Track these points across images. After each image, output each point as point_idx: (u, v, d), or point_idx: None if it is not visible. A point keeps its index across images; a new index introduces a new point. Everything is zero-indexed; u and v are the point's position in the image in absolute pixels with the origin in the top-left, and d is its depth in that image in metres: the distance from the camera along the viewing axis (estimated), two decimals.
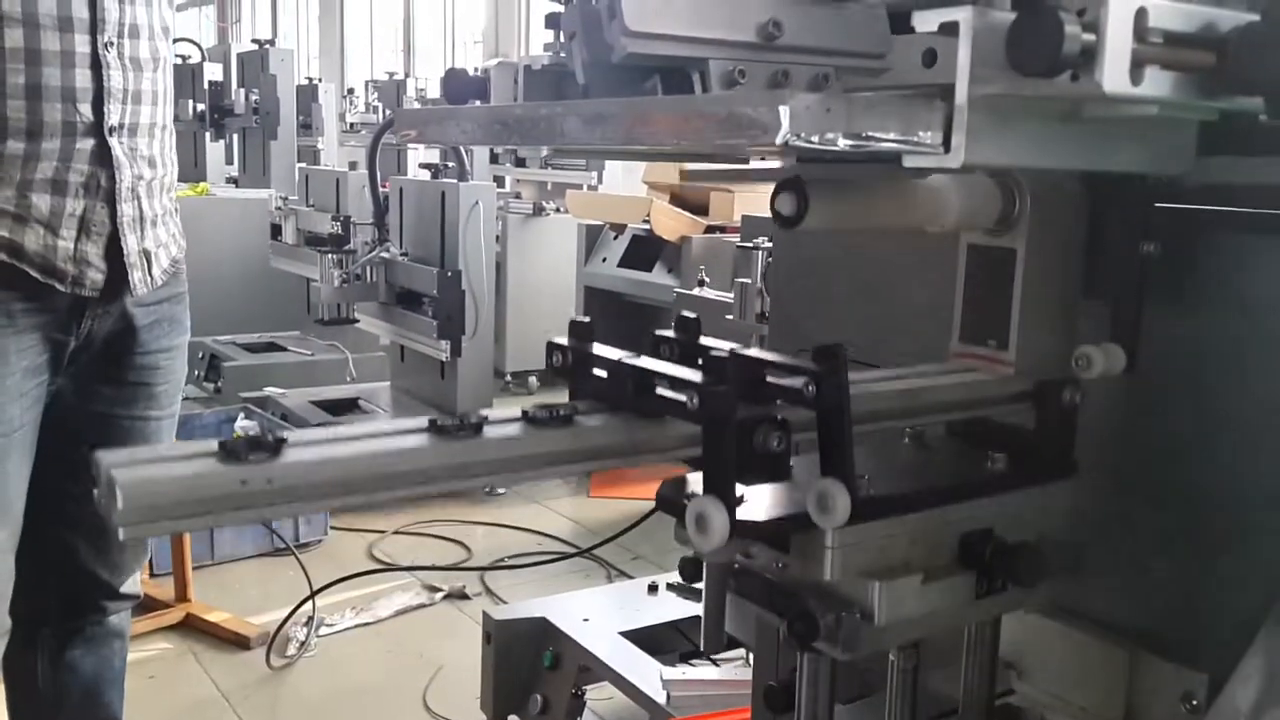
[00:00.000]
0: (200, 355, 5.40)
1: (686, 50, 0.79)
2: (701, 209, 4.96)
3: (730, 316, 3.28)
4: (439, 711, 2.94)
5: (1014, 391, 0.89)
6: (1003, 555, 0.82)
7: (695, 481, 0.80)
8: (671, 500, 0.80)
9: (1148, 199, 0.90)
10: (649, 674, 2.32)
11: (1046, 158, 0.79)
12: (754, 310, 3.17)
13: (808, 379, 0.74)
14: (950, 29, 0.71)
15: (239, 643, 3.34)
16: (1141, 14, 0.68)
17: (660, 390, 0.73)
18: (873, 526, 0.79)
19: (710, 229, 4.85)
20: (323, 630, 3.41)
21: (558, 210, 5.97)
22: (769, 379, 0.78)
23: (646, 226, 4.99)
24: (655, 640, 2.44)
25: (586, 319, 0.82)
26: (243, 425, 4.16)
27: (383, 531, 4.26)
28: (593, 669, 2.44)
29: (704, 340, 0.84)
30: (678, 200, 5.05)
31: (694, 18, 0.78)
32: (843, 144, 0.67)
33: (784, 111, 0.64)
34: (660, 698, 2.23)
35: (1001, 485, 0.87)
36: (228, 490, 0.61)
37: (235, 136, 6.98)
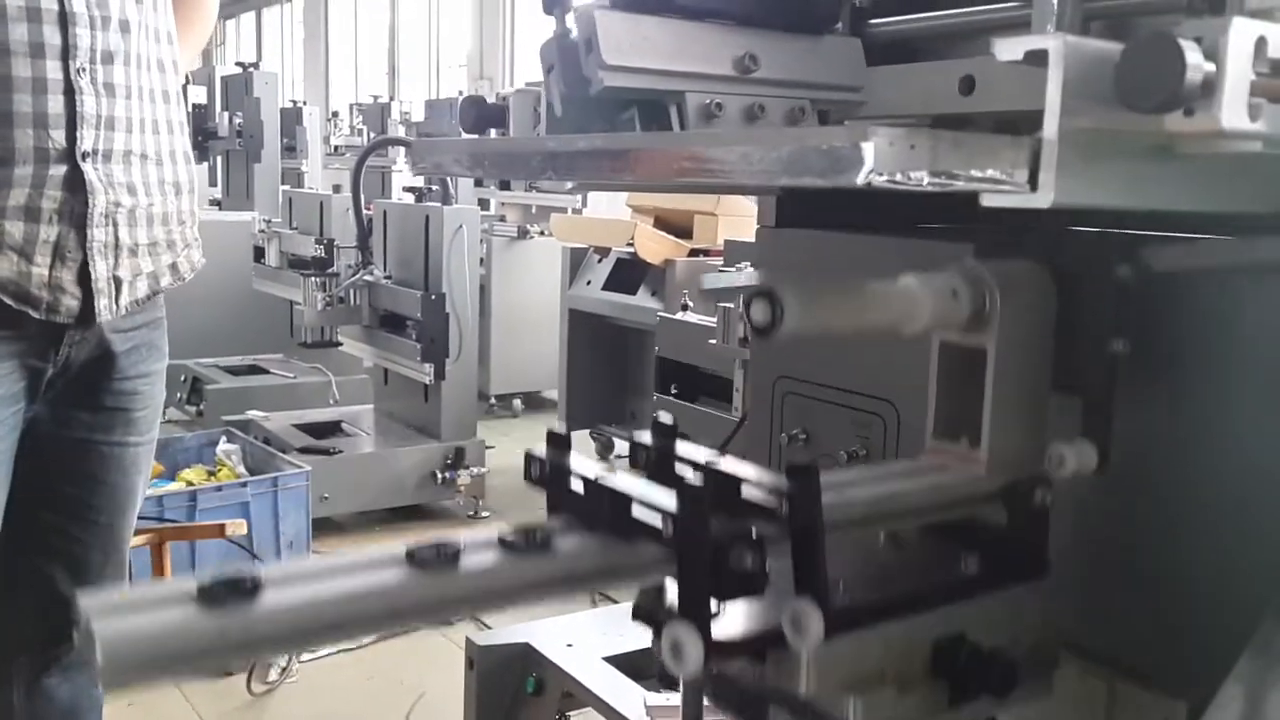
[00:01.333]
0: (182, 378, 5.38)
1: (663, 84, 0.78)
2: (685, 232, 4.97)
3: (713, 341, 3.29)
4: None
5: (986, 492, 0.90)
6: (975, 664, 0.83)
7: (671, 590, 0.80)
8: (648, 613, 0.80)
9: (1118, 295, 0.91)
10: (633, 700, 2.32)
11: (1140, 197, 0.73)
12: (736, 335, 3.18)
13: (781, 499, 0.75)
14: (1038, 58, 0.66)
15: (219, 670, 3.33)
16: (1261, 42, 0.64)
17: (636, 512, 0.74)
18: (848, 639, 0.80)
19: (694, 252, 4.86)
20: (304, 656, 3.40)
21: (542, 233, 5.98)
22: (743, 493, 0.78)
23: (631, 250, 5.00)
24: (639, 665, 2.43)
25: (564, 431, 0.83)
26: (224, 449, 4.14)
27: None
28: (576, 695, 2.43)
29: (680, 447, 0.84)
30: (661, 224, 5.06)
31: (670, 51, 0.77)
32: (927, 183, 0.64)
33: (868, 149, 0.62)
34: None
35: (974, 589, 0.87)
36: (207, 643, 0.61)
37: (219, 159, 6.97)
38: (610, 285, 5.14)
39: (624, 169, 0.79)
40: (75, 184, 1.64)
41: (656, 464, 0.85)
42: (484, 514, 4.79)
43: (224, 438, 4.26)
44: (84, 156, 1.64)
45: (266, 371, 5.65)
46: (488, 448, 4.83)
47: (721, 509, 0.76)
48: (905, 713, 0.82)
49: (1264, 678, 0.80)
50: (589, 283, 5.23)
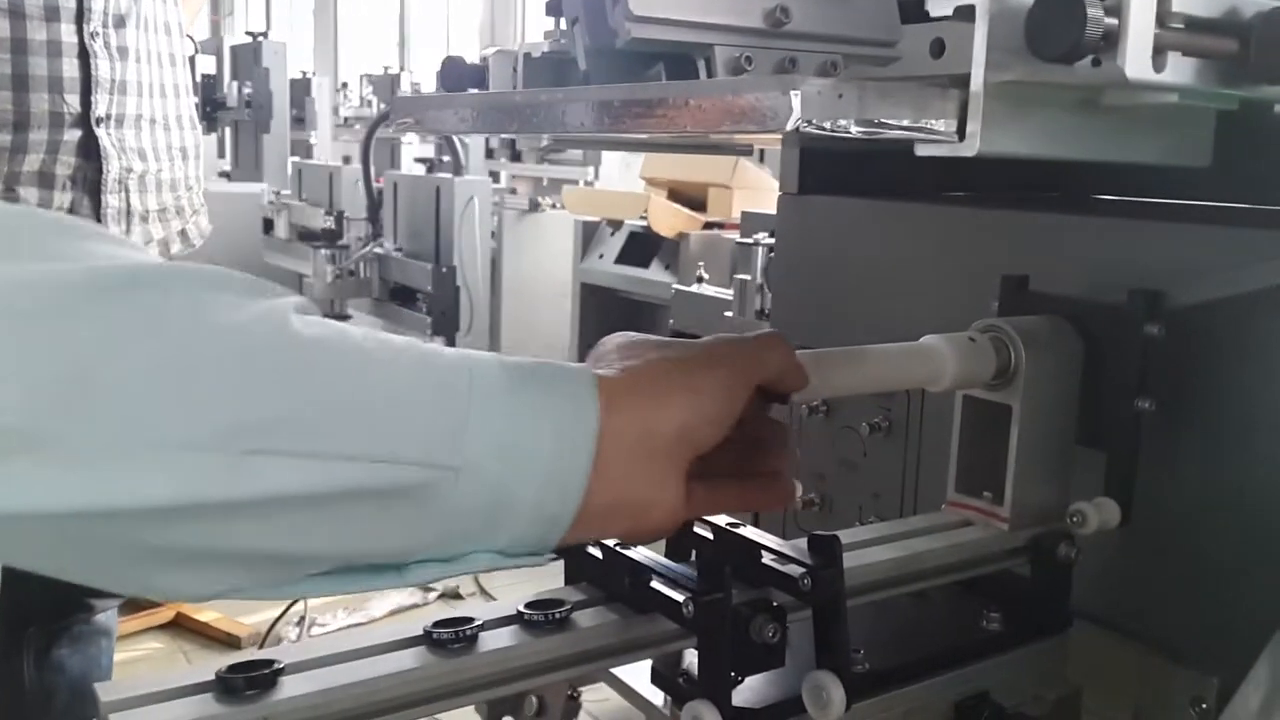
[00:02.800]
0: None
1: (692, 36, 0.77)
2: (699, 205, 4.93)
3: (729, 313, 3.27)
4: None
5: (1009, 548, 0.89)
6: None
7: (689, 657, 0.80)
8: (667, 680, 0.80)
9: (1145, 353, 0.89)
10: (645, 674, 2.33)
11: (1063, 148, 0.78)
12: (753, 307, 3.17)
13: (804, 572, 0.74)
14: (966, 13, 0.69)
15: (229, 642, 3.36)
16: None
17: (655, 585, 0.73)
18: (868, 705, 0.79)
19: (709, 225, 4.83)
20: (314, 630, 3.43)
21: (554, 206, 5.95)
22: (764, 561, 0.78)
23: (644, 223, 4.97)
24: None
25: None
26: None
27: None
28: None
29: None
30: (675, 196, 5.02)
31: (700, 2, 0.76)
32: (854, 131, 0.66)
33: (795, 97, 0.63)
34: (656, 699, 2.24)
35: (997, 647, 0.87)
36: None
37: (228, 130, 6.93)
38: (623, 259, 5.12)
39: (580, 121, 0.78)
40: (89, 150, 1.66)
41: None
42: None
43: None
44: (98, 121, 1.65)
45: None
46: None
47: (742, 578, 0.76)
48: None
49: None
50: (601, 256, 5.20)
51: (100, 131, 1.65)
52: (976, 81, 0.69)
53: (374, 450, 0.53)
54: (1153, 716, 0.96)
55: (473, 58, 1.04)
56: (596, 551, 0.78)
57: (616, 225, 5.17)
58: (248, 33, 7.26)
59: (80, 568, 0.54)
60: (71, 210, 1.63)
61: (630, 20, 0.75)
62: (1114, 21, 0.65)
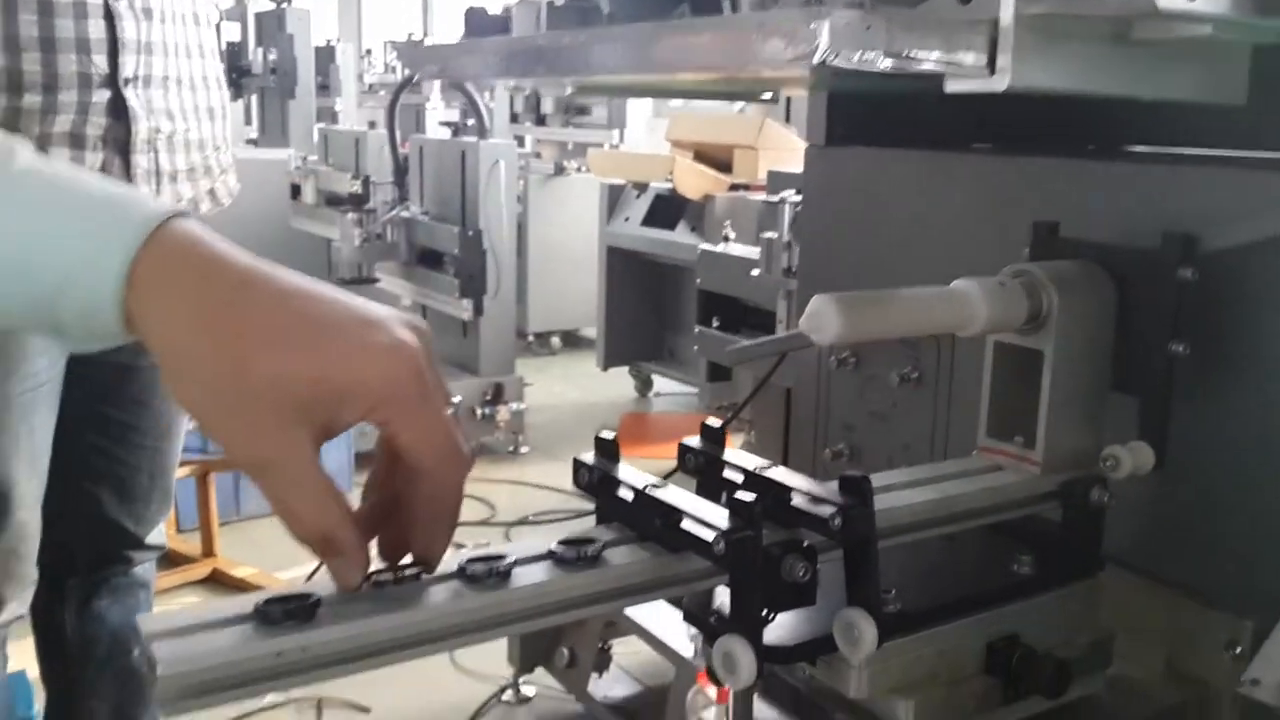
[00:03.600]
0: None
1: None
2: (725, 166, 4.91)
3: (756, 271, 3.26)
4: (466, 666, 3.00)
5: (1041, 492, 0.89)
6: (1030, 667, 0.83)
7: (720, 595, 0.81)
8: (698, 617, 0.81)
9: (1179, 297, 0.89)
10: (676, 628, 2.34)
11: (1095, 82, 0.76)
12: (780, 264, 3.15)
13: (835, 511, 0.75)
14: None
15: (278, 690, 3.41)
16: None
17: (686, 525, 0.74)
18: (900, 644, 0.80)
19: (734, 186, 4.81)
20: None
21: (579, 170, 5.93)
22: (794, 502, 0.78)
23: (669, 185, 4.96)
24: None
25: (611, 435, 0.82)
26: None
27: None
28: (619, 623, 2.47)
29: (728, 454, 0.84)
30: (701, 158, 5.00)
31: None
32: (883, 64, 0.66)
33: (823, 27, 0.63)
34: (687, 651, 2.24)
35: (1028, 590, 0.87)
36: (264, 664, 0.62)
37: (254, 97, 6.94)
38: (649, 221, 5.11)
39: (606, 61, 0.78)
40: (118, 110, 1.68)
41: (705, 470, 0.85)
42: (523, 449, 4.83)
43: None
44: (125, 82, 1.67)
45: None
46: (526, 384, 4.86)
47: (773, 519, 0.76)
48: (958, 712, 0.82)
49: None
50: (627, 219, 5.20)
51: (128, 92, 1.66)
52: (1007, 14, 0.68)
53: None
54: (1186, 660, 0.96)
55: (499, 10, 1.04)
56: (627, 494, 0.79)
57: (642, 188, 5.16)
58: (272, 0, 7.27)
59: None
60: (103, 171, 1.64)
61: None
62: None
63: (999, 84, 0.69)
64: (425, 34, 9.38)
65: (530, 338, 6.25)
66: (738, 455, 0.83)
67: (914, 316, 0.84)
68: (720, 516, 0.72)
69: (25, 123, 1.59)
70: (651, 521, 0.76)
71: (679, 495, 0.76)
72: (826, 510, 0.75)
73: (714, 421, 0.86)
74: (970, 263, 0.89)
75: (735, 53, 0.67)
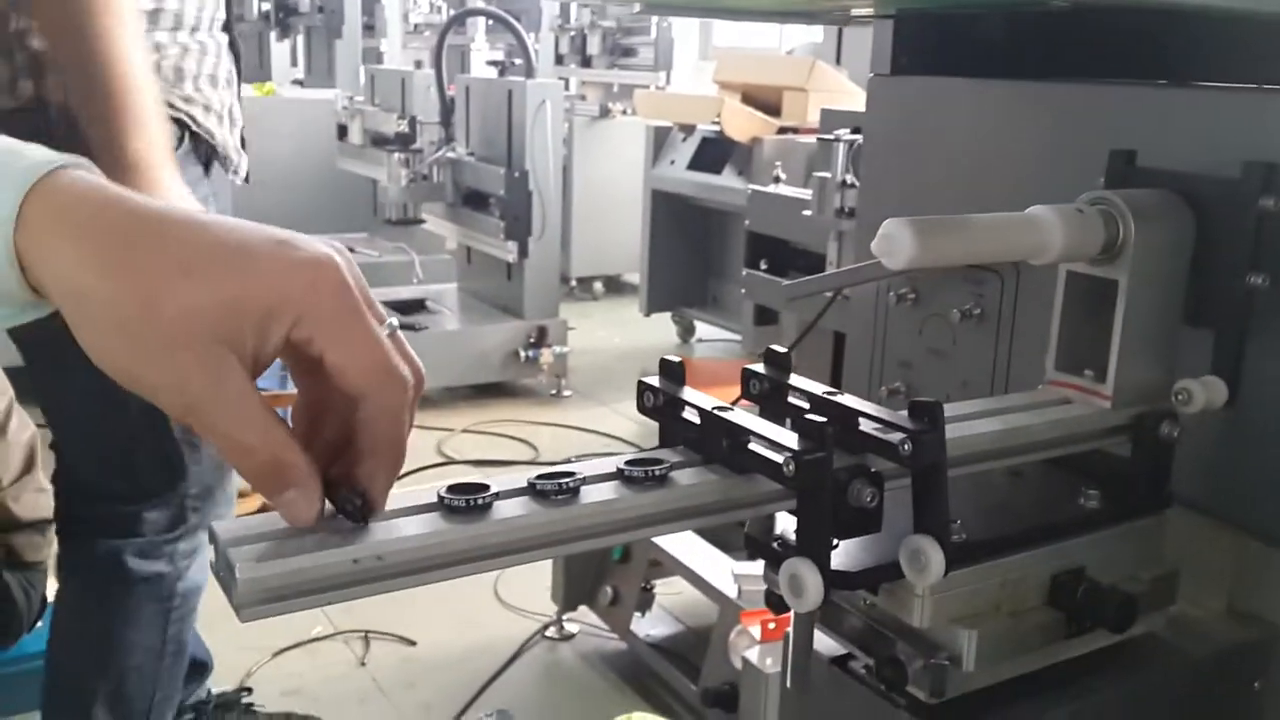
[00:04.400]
0: None
1: None
2: (774, 109, 4.85)
3: (807, 212, 3.23)
4: (510, 602, 3.03)
5: (1111, 426, 0.88)
6: (1095, 600, 0.82)
7: (782, 522, 0.80)
8: (761, 544, 0.81)
9: (1260, 228, 0.87)
10: (719, 569, 2.35)
11: None
12: (833, 205, 3.12)
13: (904, 437, 0.74)
14: None
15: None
16: None
17: (754, 447, 0.73)
18: (964, 574, 0.79)
19: (783, 129, 4.75)
20: None
21: (624, 112, 5.88)
22: (862, 428, 0.77)
23: (716, 128, 4.90)
24: (725, 535, 2.45)
25: (678, 359, 0.82)
26: None
27: (451, 429, 4.36)
28: (663, 563, 2.48)
29: (793, 380, 0.83)
30: (749, 100, 4.94)
31: None
32: None
33: None
34: (731, 592, 2.25)
35: (1095, 523, 0.86)
36: (341, 570, 0.62)
37: (300, 38, 6.93)
38: (695, 165, 5.07)
39: None
40: (232, 51, 1.80)
41: (769, 396, 0.84)
42: (566, 393, 4.84)
43: None
44: (231, 23, 1.76)
45: (352, 250, 5.71)
46: (569, 329, 4.86)
47: (840, 445, 0.75)
48: (1020, 643, 0.82)
49: None
50: (673, 162, 5.16)
51: (233, 34, 1.79)
52: None
53: None
54: (1248, 599, 0.95)
55: None
56: (694, 416, 0.78)
57: (688, 130, 5.11)
58: None
59: None
60: (231, 109, 1.77)
61: None
62: None
63: None
64: None
65: (573, 283, 6.24)
66: (804, 381, 0.83)
67: (989, 242, 0.83)
68: (790, 439, 0.72)
69: (187, 62, 1.68)
70: (718, 443, 0.75)
71: (747, 417, 0.75)
72: (897, 436, 0.74)
73: (779, 346, 0.85)
74: (1042, 197, 0.87)
75: None
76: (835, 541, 0.75)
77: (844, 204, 2.92)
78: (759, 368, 0.86)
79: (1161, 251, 0.87)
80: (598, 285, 6.41)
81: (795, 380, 0.83)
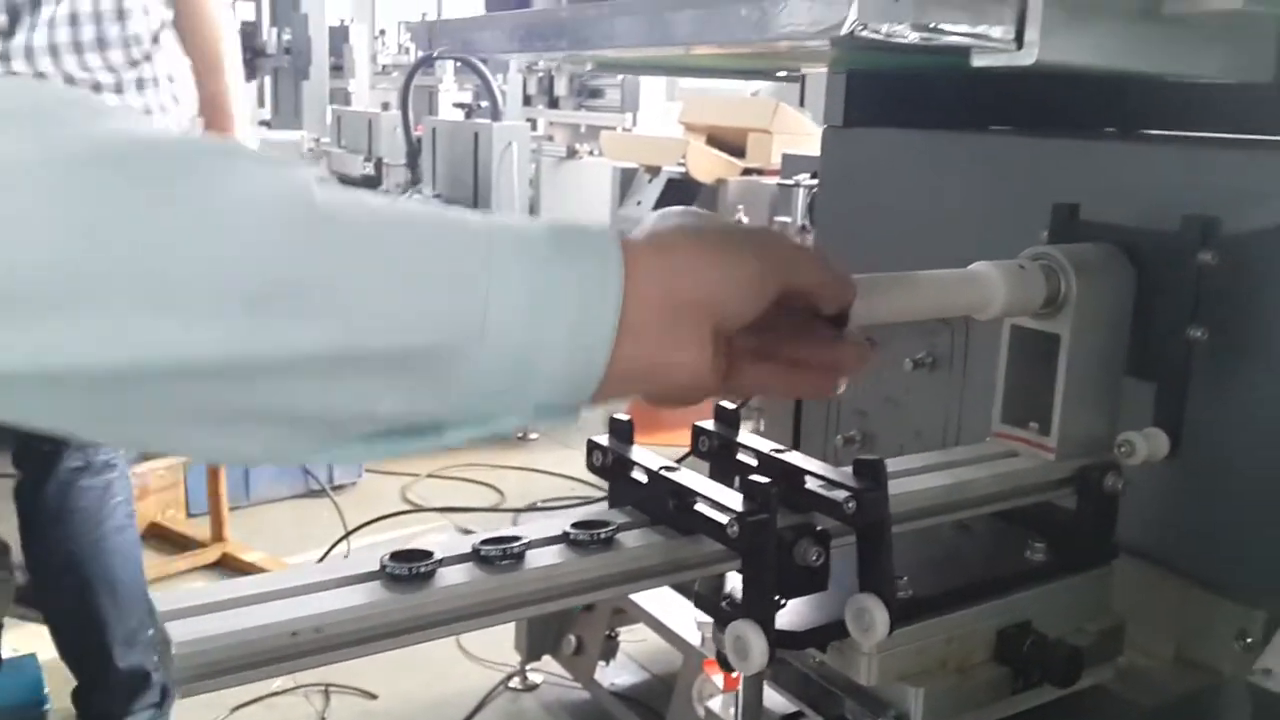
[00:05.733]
0: None
1: None
2: (738, 151, 4.89)
3: None
4: (473, 652, 3.00)
5: (1056, 479, 0.88)
6: (1040, 654, 0.82)
7: (732, 580, 0.80)
8: (710, 602, 0.80)
9: (1198, 281, 0.88)
10: (684, 616, 2.33)
11: (1123, 57, 0.75)
12: None
13: (849, 495, 0.74)
14: None
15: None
16: None
17: (699, 508, 0.73)
18: (910, 630, 0.79)
19: (747, 171, 4.79)
20: None
21: (591, 153, 5.91)
22: (808, 486, 0.78)
23: (682, 169, 4.94)
24: (689, 583, 2.43)
25: (627, 418, 0.82)
26: None
27: (416, 474, 4.32)
28: (627, 610, 2.46)
29: (742, 437, 0.84)
30: (714, 142, 4.98)
31: None
32: (911, 36, 0.65)
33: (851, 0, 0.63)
34: (695, 640, 2.24)
35: (1041, 576, 0.87)
36: (278, 644, 0.62)
37: (267, 79, 6.93)
38: (661, 205, 5.08)
39: (625, 33, 0.77)
40: None
41: (718, 453, 0.84)
42: (532, 436, 4.82)
43: None
44: None
45: None
46: None
47: (786, 503, 0.76)
48: (967, 699, 0.82)
49: None
50: (639, 203, 5.18)
51: None
52: None
53: (394, 314, 0.53)
54: (1196, 649, 0.95)
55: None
56: (641, 476, 0.79)
57: (654, 171, 5.14)
58: None
59: (114, 429, 0.56)
60: None
61: None
62: None
63: (1026, 58, 0.69)
64: (440, 15, 9.37)
65: None
66: (751, 438, 0.83)
67: (932, 299, 0.83)
68: (734, 499, 0.72)
69: None
70: (665, 504, 0.75)
71: (693, 478, 0.75)
72: (841, 494, 0.75)
73: (728, 403, 0.85)
74: (989, 245, 0.88)
75: (760, 24, 0.67)
76: (782, 600, 0.75)
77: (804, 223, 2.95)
78: (708, 424, 0.86)
79: (1102, 305, 0.88)
80: None
81: (743, 438, 0.84)
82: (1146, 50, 0.76)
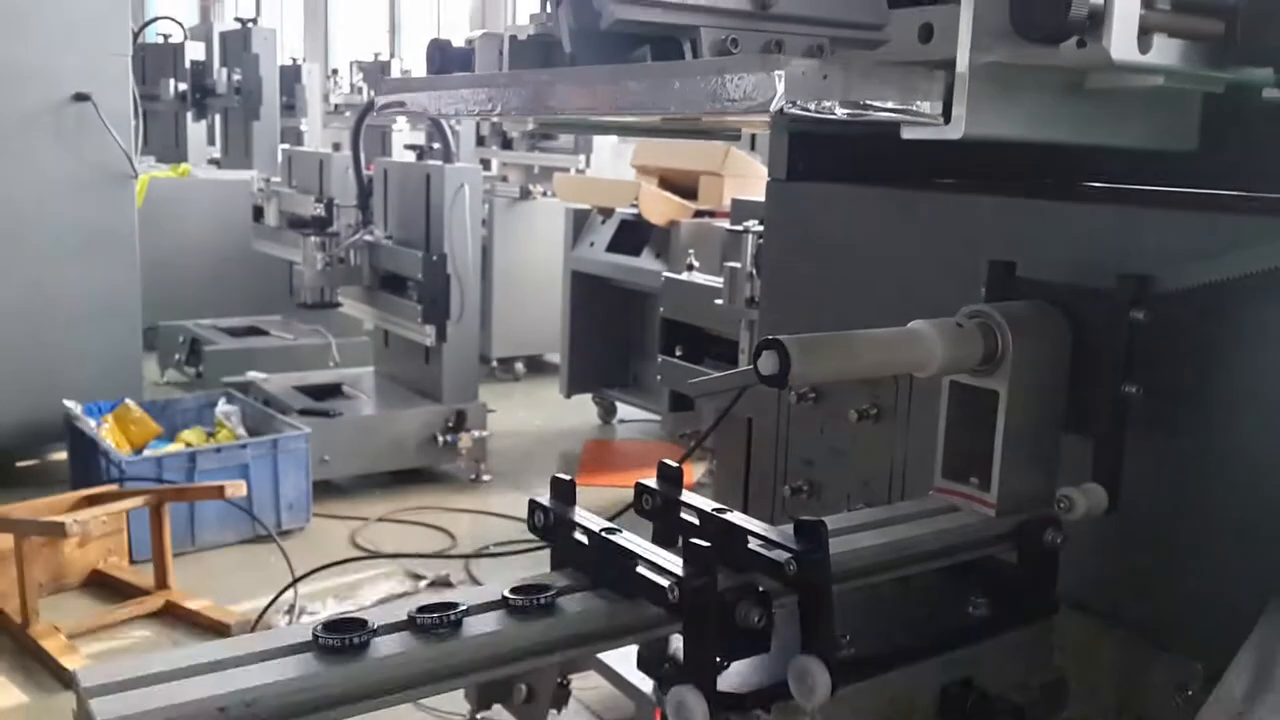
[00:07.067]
0: (181, 339, 5.38)
1: (677, 17, 0.76)
2: (690, 193, 4.92)
3: (719, 301, 3.26)
4: (423, 701, 2.96)
5: (996, 534, 0.89)
6: (983, 710, 0.82)
7: (675, 642, 0.80)
8: (652, 664, 0.80)
9: (1132, 339, 0.89)
10: (634, 664, 2.31)
11: (1049, 129, 0.77)
12: (743, 295, 3.16)
13: (790, 557, 0.74)
14: None
15: (219, 631, 3.34)
16: None
17: (641, 570, 0.73)
18: (853, 691, 0.79)
19: (699, 213, 4.82)
20: (304, 619, 3.41)
21: (545, 194, 5.93)
22: (750, 546, 0.77)
23: (635, 210, 4.96)
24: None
25: (569, 478, 0.82)
26: (223, 411, 4.15)
27: (365, 519, 4.27)
28: (578, 659, 2.44)
29: (685, 497, 0.83)
30: (667, 184, 5.01)
31: None
32: (840, 112, 0.66)
33: (779, 78, 0.63)
34: (646, 687, 2.22)
35: (983, 633, 0.87)
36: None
37: (217, 117, 6.90)
38: (614, 247, 5.11)
39: (565, 102, 0.78)
40: None
41: (661, 511, 0.84)
42: (485, 478, 4.79)
43: (223, 399, 4.26)
44: None
45: (266, 333, 5.64)
46: (489, 411, 4.82)
47: (728, 563, 0.76)
48: None
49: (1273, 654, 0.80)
50: (592, 244, 5.19)
51: None
52: (962, 63, 0.69)
53: None
54: (1137, 702, 0.96)
55: (462, 42, 1.04)
56: (583, 538, 0.78)
57: (607, 213, 5.16)
58: (237, 19, 7.24)
59: None
60: None
61: (614, 1, 0.74)
62: (1099, 2, 0.65)
63: (954, 132, 0.70)
64: (392, 55, 9.39)
65: (494, 363, 6.21)
66: (693, 498, 0.83)
67: (871, 358, 0.84)
68: (675, 563, 0.72)
69: None
70: (606, 567, 0.75)
71: (634, 541, 0.75)
72: (782, 555, 0.75)
73: (671, 461, 0.85)
74: (929, 299, 0.89)
75: (695, 100, 0.67)
76: (725, 663, 0.75)
77: (754, 293, 2.97)
78: (651, 483, 0.86)
79: (1039, 362, 0.89)
80: (519, 365, 6.39)
81: (686, 497, 0.84)
82: (1072, 122, 0.77)
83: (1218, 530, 0.91)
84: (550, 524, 0.80)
